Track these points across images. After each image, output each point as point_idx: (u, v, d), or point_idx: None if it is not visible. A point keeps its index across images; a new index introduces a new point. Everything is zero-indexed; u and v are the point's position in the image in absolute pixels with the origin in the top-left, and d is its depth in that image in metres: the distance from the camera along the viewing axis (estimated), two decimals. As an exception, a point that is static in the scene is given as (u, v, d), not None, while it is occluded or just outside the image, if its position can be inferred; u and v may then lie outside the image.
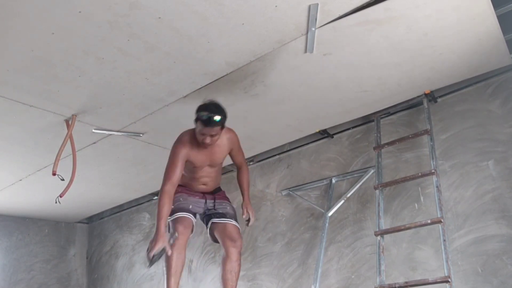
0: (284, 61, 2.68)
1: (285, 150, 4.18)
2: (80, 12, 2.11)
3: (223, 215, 2.82)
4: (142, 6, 2.11)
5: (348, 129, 3.81)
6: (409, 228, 2.95)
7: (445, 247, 2.65)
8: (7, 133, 3.30)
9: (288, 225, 3.96)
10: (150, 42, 2.39)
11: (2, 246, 5.32)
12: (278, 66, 2.73)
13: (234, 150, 2.88)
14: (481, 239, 2.90)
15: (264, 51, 2.56)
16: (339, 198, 3.65)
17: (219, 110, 2.53)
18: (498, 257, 2.80)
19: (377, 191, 3.15)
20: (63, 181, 3.09)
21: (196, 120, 2.53)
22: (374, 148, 3.38)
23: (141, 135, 3.50)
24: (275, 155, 4.25)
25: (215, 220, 2.81)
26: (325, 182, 3.81)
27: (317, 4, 2.20)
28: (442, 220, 2.72)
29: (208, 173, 2.81)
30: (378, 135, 3.42)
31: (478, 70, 2.99)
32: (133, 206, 5.49)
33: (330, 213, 3.59)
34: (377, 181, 3.20)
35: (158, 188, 2.74)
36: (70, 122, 3.11)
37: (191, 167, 2.73)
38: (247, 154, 4.17)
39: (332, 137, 3.90)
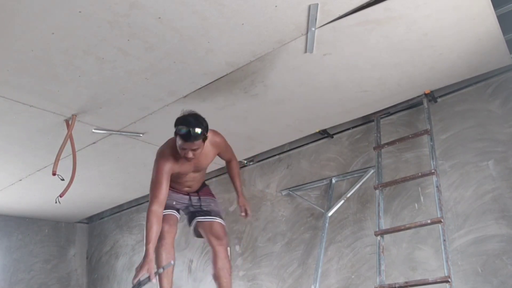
0: (284, 61, 2.68)
1: (285, 150, 4.18)
2: (80, 12, 2.11)
3: (207, 213, 2.79)
4: (142, 6, 2.11)
5: (348, 129, 3.81)
6: (409, 228, 2.95)
7: (445, 247, 2.65)
8: (7, 133, 3.29)
9: (288, 225, 3.96)
10: (150, 42, 2.39)
11: (2, 246, 5.31)
12: (278, 66, 2.73)
13: (222, 152, 2.79)
14: (481, 239, 2.90)
15: (264, 51, 2.56)
16: (339, 198, 3.65)
17: (198, 122, 2.37)
18: (498, 257, 2.80)
19: (377, 191, 3.15)
20: (63, 181, 3.09)
21: (175, 134, 2.38)
22: (374, 148, 3.38)
23: (141, 135, 3.50)
24: (275, 155, 4.25)
25: (199, 219, 2.78)
26: (325, 182, 3.82)
27: (317, 4, 2.20)
28: (442, 220, 2.72)
29: (193, 178, 2.75)
30: (378, 135, 3.42)
31: (478, 70, 2.99)
32: (133, 206, 5.49)
33: (330, 213, 3.59)
34: (377, 181, 3.20)
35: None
36: (70, 122, 3.10)
37: (175, 175, 2.61)
38: (247, 154, 4.20)
39: (332, 137, 3.90)
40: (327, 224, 3.55)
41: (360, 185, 3.57)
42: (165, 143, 2.62)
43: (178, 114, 3.16)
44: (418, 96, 3.28)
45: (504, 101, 3.05)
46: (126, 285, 5.30)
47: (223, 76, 2.79)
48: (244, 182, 4.44)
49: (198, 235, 2.85)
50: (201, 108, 3.11)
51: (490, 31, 2.56)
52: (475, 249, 2.90)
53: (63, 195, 3.12)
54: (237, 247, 4.28)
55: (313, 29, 2.38)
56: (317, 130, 3.77)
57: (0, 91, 2.74)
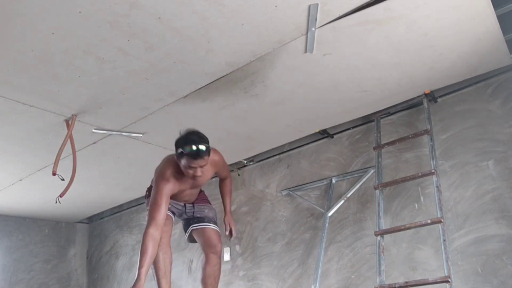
0: (284, 61, 2.68)
1: (285, 150, 4.18)
2: (80, 12, 2.11)
3: (201, 220, 2.76)
4: (142, 6, 2.11)
5: (348, 129, 3.81)
6: (409, 228, 2.95)
7: (445, 247, 2.65)
8: (7, 133, 3.29)
9: (288, 225, 3.96)
10: (150, 42, 2.38)
11: (2, 246, 5.32)
12: (278, 66, 2.73)
13: (219, 171, 2.78)
14: (481, 239, 2.90)
15: (264, 51, 2.56)
16: (339, 198, 3.65)
17: (201, 138, 2.35)
18: (498, 257, 2.80)
19: (377, 191, 3.15)
20: (63, 181, 3.09)
21: (181, 155, 2.32)
22: (374, 148, 3.38)
23: (141, 135, 3.50)
24: (275, 155, 4.25)
25: (194, 226, 2.75)
26: (325, 182, 3.82)
27: (317, 4, 2.20)
28: (442, 220, 2.72)
29: (190, 194, 2.72)
30: (378, 135, 3.42)
31: (478, 70, 2.99)
32: (133, 206, 5.49)
33: (330, 213, 3.59)
34: (377, 181, 3.20)
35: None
36: (70, 122, 3.10)
37: (174, 195, 2.58)
38: (247, 154, 4.20)
39: (332, 137, 3.90)
40: (327, 224, 3.55)
41: (360, 185, 3.57)
42: (163, 163, 2.55)
43: (178, 114, 3.20)
44: (418, 96, 3.28)
45: (504, 101, 3.05)
46: (126, 285, 5.31)
47: (223, 76, 2.79)
48: (244, 182, 4.44)
49: (192, 240, 2.83)
50: (201, 108, 3.13)
51: (490, 31, 2.56)
52: (475, 249, 2.90)
53: (63, 195, 3.12)
54: (237, 247, 4.28)
55: (313, 29, 2.38)
56: (317, 130, 3.77)
57: (0, 91, 2.74)
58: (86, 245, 6.10)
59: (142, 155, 3.90)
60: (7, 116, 3.04)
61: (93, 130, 3.33)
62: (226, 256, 4.30)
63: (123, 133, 3.43)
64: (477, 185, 3.01)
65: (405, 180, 3.12)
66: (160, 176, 2.46)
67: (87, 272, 5.97)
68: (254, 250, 4.14)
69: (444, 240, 2.67)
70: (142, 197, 5.24)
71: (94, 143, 3.57)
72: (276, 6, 2.19)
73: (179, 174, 2.47)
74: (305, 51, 2.58)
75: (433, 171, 2.92)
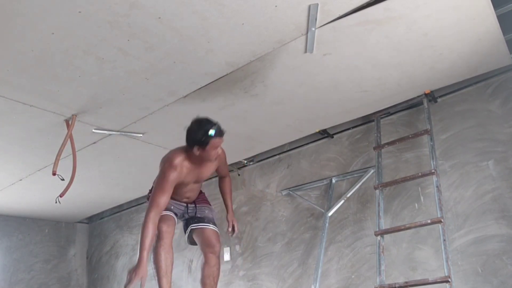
0: (284, 61, 2.68)
1: (285, 150, 4.18)
2: (80, 12, 2.11)
3: (201, 220, 2.78)
4: (142, 6, 2.11)
5: (348, 129, 3.81)
6: (409, 228, 2.95)
7: (445, 247, 2.65)
8: (7, 133, 3.29)
9: (288, 225, 3.96)
10: (150, 42, 2.39)
11: (2, 246, 5.32)
12: (278, 66, 2.73)
13: (221, 165, 2.83)
14: (481, 239, 2.90)
15: (264, 51, 2.56)
16: (339, 198, 3.65)
17: (212, 120, 2.48)
18: (498, 257, 2.80)
19: (377, 191, 3.15)
20: (63, 181, 3.09)
21: (208, 138, 2.40)
22: (374, 148, 3.38)
23: (141, 135, 3.50)
24: (275, 155, 4.25)
25: (193, 226, 2.77)
26: (325, 182, 3.82)
27: (317, 4, 2.20)
28: (442, 220, 2.72)
29: (193, 189, 2.76)
30: (378, 135, 3.42)
31: (478, 70, 2.99)
32: (133, 206, 5.49)
33: (330, 213, 3.59)
34: (377, 181, 3.20)
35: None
36: (70, 122, 3.10)
37: (177, 185, 2.61)
38: (247, 154, 4.20)
39: (332, 137, 3.90)
40: (327, 224, 3.55)
41: (360, 185, 3.57)
42: (171, 152, 2.60)
43: (178, 114, 3.20)
44: (418, 96, 3.28)
45: (504, 101, 3.05)
46: (126, 285, 5.31)
47: (223, 76, 2.79)
48: (244, 182, 4.44)
49: (192, 242, 2.84)
50: (201, 108, 3.13)
51: (490, 31, 2.56)
52: (475, 249, 2.90)
53: (63, 195, 3.12)
54: (237, 247, 4.28)
55: (313, 29, 2.38)
56: (317, 130, 3.77)
57: (0, 91, 2.74)
58: (86, 245, 6.10)
59: (142, 155, 3.90)
60: (7, 116, 3.04)
61: (93, 130, 3.33)
62: (226, 256, 4.30)
63: (123, 133, 3.43)
64: (477, 185, 3.01)
65: (405, 180, 3.12)
66: (168, 164, 2.52)
67: (87, 272, 5.97)
68: (254, 250, 4.14)
69: (444, 240, 2.67)
70: (142, 197, 5.24)
71: (94, 143, 3.57)
72: (276, 6, 2.19)
73: (187, 164, 2.54)
74: (305, 51, 2.58)
75: (433, 171, 2.92)
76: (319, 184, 3.86)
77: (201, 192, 2.93)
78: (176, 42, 2.40)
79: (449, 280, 2.52)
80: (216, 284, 2.74)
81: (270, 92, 3.04)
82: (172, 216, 2.69)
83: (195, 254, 4.59)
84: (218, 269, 2.77)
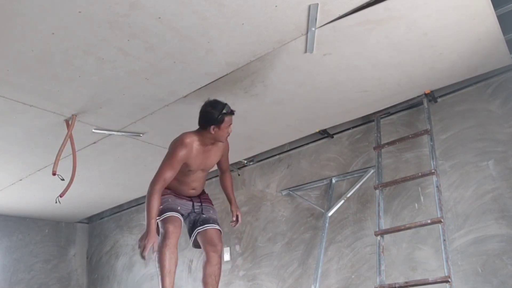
0: (284, 61, 2.68)
1: (285, 150, 4.18)
2: (80, 12, 2.11)
3: (206, 221, 2.81)
4: (142, 6, 2.11)
5: (348, 129, 3.81)
6: (409, 228, 2.95)
7: (445, 247, 2.65)
8: (7, 133, 3.29)
9: (288, 225, 3.96)
10: (150, 42, 2.39)
11: (2, 246, 5.32)
12: (278, 66, 2.73)
13: (224, 156, 2.93)
14: (481, 239, 2.90)
15: (264, 51, 2.56)
16: (339, 198, 3.65)
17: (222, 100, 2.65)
18: (498, 257, 2.80)
19: (377, 191, 3.15)
20: (63, 181, 3.09)
21: (223, 116, 2.56)
22: (374, 148, 3.38)
23: (141, 135, 3.50)
24: (275, 155, 4.25)
25: (199, 229, 2.80)
26: (325, 182, 3.82)
27: (317, 4, 2.20)
28: (442, 220, 2.72)
29: (199, 178, 2.83)
30: (378, 135, 3.42)
31: (478, 70, 2.99)
32: (133, 206, 5.49)
33: (330, 213, 3.59)
34: (377, 181, 3.20)
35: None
36: (70, 122, 3.10)
37: (185, 171, 2.69)
38: (247, 154, 4.20)
39: (332, 137, 3.90)
40: (327, 224, 3.55)
41: (360, 185, 3.57)
42: (182, 134, 2.68)
43: (178, 114, 3.20)
44: (418, 96, 3.28)
45: (504, 101, 3.05)
46: (126, 285, 5.31)
47: (223, 76, 2.79)
48: (244, 182, 4.45)
49: (197, 245, 2.87)
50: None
51: (490, 31, 2.56)
52: (475, 249, 2.90)
53: (63, 195, 3.12)
54: (237, 247, 4.28)
55: (313, 29, 2.38)
56: (317, 130, 3.77)
57: (0, 91, 2.74)
58: (86, 245, 6.10)
59: (142, 155, 3.90)
60: (7, 116, 3.04)
61: (93, 130, 3.33)
62: (226, 256, 4.30)
63: (123, 133, 3.43)
64: (477, 185, 3.01)
65: (405, 180, 3.12)
66: (179, 142, 2.62)
67: (87, 272, 5.97)
68: (254, 250, 4.14)
69: (444, 240, 2.67)
70: (142, 197, 5.24)
71: (94, 143, 3.57)
72: (276, 6, 2.19)
73: (196, 145, 2.65)
74: (305, 51, 2.58)
75: (433, 171, 2.92)
76: (319, 184, 3.86)
77: (204, 192, 2.96)
78: (176, 42, 2.40)
79: (449, 280, 2.52)
80: (217, 283, 2.75)
81: (270, 92, 3.04)
82: (179, 218, 2.71)
83: (195, 254, 4.59)
84: (220, 268, 2.78)
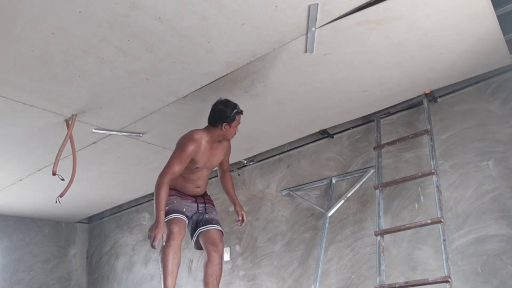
0: (284, 61, 2.68)
1: (285, 150, 4.18)
2: (80, 12, 2.11)
3: (209, 221, 2.84)
4: (142, 6, 2.11)
5: (348, 129, 3.81)
6: (409, 228, 2.95)
7: (445, 247, 2.65)
8: (7, 133, 3.29)
9: (288, 225, 3.96)
10: (150, 42, 2.39)
11: (2, 246, 5.32)
12: (278, 66, 2.73)
13: (226, 156, 3.00)
14: (481, 239, 2.90)
15: (264, 51, 2.56)
16: (339, 198, 3.65)
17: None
18: (498, 257, 2.80)
19: (377, 191, 3.15)
20: (63, 181, 3.09)
21: (235, 115, 2.69)
22: (374, 148, 3.38)
23: (141, 135, 3.50)
24: (275, 155, 4.25)
25: (202, 229, 2.82)
26: (325, 182, 3.82)
27: (317, 4, 2.20)
28: (442, 220, 2.72)
29: (204, 177, 2.89)
30: (378, 135, 3.42)
31: (478, 70, 2.99)
32: (133, 206, 5.49)
33: (330, 213, 3.59)
34: (377, 181, 3.20)
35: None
36: (70, 122, 3.10)
37: (192, 168, 2.74)
38: (247, 154, 4.20)
39: (332, 137, 3.90)
40: (327, 224, 3.55)
41: (360, 185, 3.57)
42: (191, 131, 2.74)
43: (178, 114, 3.20)
44: (418, 96, 3.28)
45: (504, 101, 3.05)
46: (126, 285, 5.31)
47: (223, 76, 2.79)
48: (244, 182, 4.45)
49: (199, 247, 2.89)
50: (201, 108, 3.13)
51: (490, 31, 2.56)
52: (475, 249, 2.90)
53: (63, 195, 3.12)
54: (237, 247, 4.28)
55: (313, 29, 2.38)
56: (317, 130, 3.76)
57: (0, 91, 2.74)
58: (86, 245, 6.10)
59: (142, 155, 3.90)
60: (7, 116, 3.04)
61: (93, 130, 3.33)
62: (226, 256, 4.30)
63: (123, 133, 3.43)
64: (477, 185, 3.01)
65: (405, 180, 3.12)
66: (189, 138, 2.68)
67: (87, 272, 5.97)
68: (254, 250, 4.14)
69: (444, 240, 2.67)
70: (142, 197, 5.24)
71: (94, 143, 3.57)
72: (276, 6, 2.19)
73: (205, 142, 2.71)
74: (305, 51, 2.58)
75: (433, 171, 2.92)
76: (319, 184, 3.86)
77: (206, 193, 3.00)
78: (176, 42, 2.40)
79: (449, 280, 2.52)
80: (218, 283, 2.78)
81: (270, 92, 3.04)
82: (184, 220, 2.74)
83: (195, 254, 4.59)
84: (221, 268, 2.80)
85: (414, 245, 3.17)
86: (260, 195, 4.27)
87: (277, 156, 4.24)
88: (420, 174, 3.04)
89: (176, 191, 2.81)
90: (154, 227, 2.50)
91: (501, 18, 2.54)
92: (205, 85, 2.87)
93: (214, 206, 3.01)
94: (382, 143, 3.38)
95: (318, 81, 2.95)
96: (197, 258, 4.57)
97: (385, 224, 3.16)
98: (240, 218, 2.95)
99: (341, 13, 2.30)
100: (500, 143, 2.99)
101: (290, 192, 4.01)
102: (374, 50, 2.65)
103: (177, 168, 2.62)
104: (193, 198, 2.87)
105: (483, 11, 2.38)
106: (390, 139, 3.42)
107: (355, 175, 3.64)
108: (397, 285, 2.72)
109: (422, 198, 3.23)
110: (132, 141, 3.61)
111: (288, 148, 4.15)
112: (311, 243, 3.75)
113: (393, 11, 2.32)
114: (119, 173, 4.30)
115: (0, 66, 2.49)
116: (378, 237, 2.94)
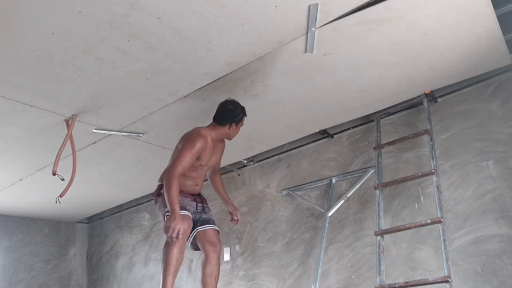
0: (284, 61, 2.68)
1: (285, 150, 4.18)
2: (80, 12, 2.11)
3: (206, 221, 2.85)
4: (142, 6, 2.11)
5: (348, 129, 3.81)
6: (409, 228, 2.95)
7: (445, 247, 2.65)
8: (7, 133, 3.29)
9: (288, 225, 3.96)
10: (150, 42, 2.38)
11: (3, 246, 5.32)
12: (278, 66, 2.73)
13: (221, 156, 3.03)
14: (481, 239, 2.90)
15: (264, 51, 2.56)
16: (339, 198, 3.65)
17: None
18: (498, 257, 2.80)
19: (377, 191, 3.15)
20: (63, 181, 3.09)
21: (243, 115, 2.80)
22: (374, 148, 3.38)
23: (141, 135, 3.50)
24: (275, 155, 4.25)
25: (200, 229, 2.82)
26: (325, 182, 3.82)
27: (317, 4, 2.20)
28: (442, 220, 2.72)
29: (203, 175, 2.92)
30: (378, 135, 3.42)
31: (478, 70, 2.99)
32: (133, 206, 5.49)
33: (330, 213, 3.59)
34: (377, 181, 3.20)
35: (158, 188, 2.74)
36: (70, 122, 3.10)
37: (196, 165, 2.75)
38: (247, 154, 4.20)
39: (332, 137, 3.90)
40: (327, 224, 3.55)
41: (360, 185, 3.57)
42: (196, 128, 2.75)
43: (178, 114, 3.20)
44: (418, 96, 3.28)
45: (504, 101, 3.05)
46: (126, 285, 5.31)
47: (223, 76, 2.79)
48: (244, 182, 4.45)
49: (196, 247, 2.88)
50: (201, 108, 3.13)
51: (490, 31, 2.56)
52: (475, 249, 2.90)
53: (63, 195, 3.12)
54: (237, 247, 4.28)
55: (313, 29, 2.38)
56: (317, 130, 3.77)
57: (0, 91, 2.74)
58: (86, 245, 6.10)
59: (142, 155, 3.90)
60: (7, 116, 3.04)
61: (93, 130, 3.33)
62: (226, 256, 4.30)
63: (123, 133, 3.43)
64: (477, 185, 3.01)
65: (405, 180, 3.12)
66: (196, 134, 2.68)
67: (87, 272, 5.97)
68: (254, 250, 4.14)
69: (444, 240, 2.67)
70: (142, 197, 5.24)
71: (94, 143, 3.57)
72: (276, 6, 2.19)
73: (209, 139, 2.73)
74: (305, 51, 2.58)
75: (433, 171, 2.92)
76: (319, 184, 3.86)
77: (201, 193, 2.98)
78: (176, 42, 2.40)
79: (449, 280, 2.52)
80: (216, 283, 2.78)
81: (270, 92, 3.04)
82: (190, 216, 2.74)
83: (195, 254, 4.59)
84: (219, 268, 2.81)
85: (414, 245, 3.17)
86: (260, 195, 4.27)
87: (277, 156, 4.24)
88: (420, 174, 3.04)
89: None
90: (172, 219, 2.46)
91: (501, 18, 2.54)
92: (205, 85, 2.87)
93: (209, 206, 3.01)
94: (382, 143, 3.38)
95: (318, 81, 2.95)
96: (197, 258, 4.57)
97: (385, 224, 3.16)
98: (235, 217, 2.99)
99: (341, 13, 2.30)
100: (500, 143, 2.99)
101: (290, 192, 4.01)
102: (374, 50, 2.65)
103: (186, 163, 2.61)
104: (192, 196, 2.86)
105: (483, 11, 2.38)
106: (390, 139, 3.42)
107: (355, 175, 3.64)
108: (397, 285, 2.72)
109: (422, 198, 3.23)
110: (132, 141, 3.61)
111: (288, 148, 4.16)
112: (311, 243, 3.75)
113: (393, 11, 2.32)
114: (119, 173, 4.30)
115: (0, 66, 2.49)
116: (378, 237, 2.94)
